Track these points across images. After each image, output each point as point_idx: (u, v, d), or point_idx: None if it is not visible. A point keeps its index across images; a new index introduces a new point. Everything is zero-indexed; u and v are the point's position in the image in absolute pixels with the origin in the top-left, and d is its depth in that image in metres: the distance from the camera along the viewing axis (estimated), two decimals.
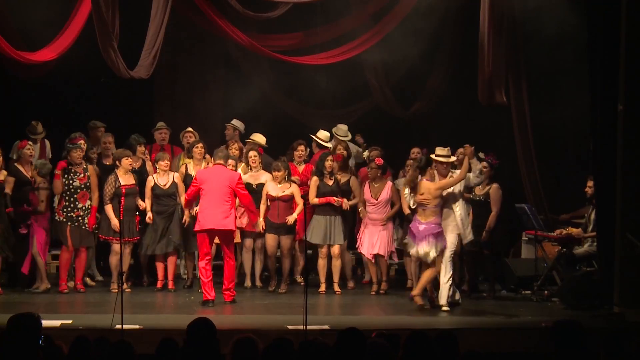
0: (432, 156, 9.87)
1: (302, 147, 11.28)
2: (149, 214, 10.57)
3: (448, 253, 9.68)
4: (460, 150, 10.80)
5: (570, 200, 11.86)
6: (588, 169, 10.75)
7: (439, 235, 9.59)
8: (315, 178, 10.79)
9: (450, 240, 9.70)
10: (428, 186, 9.65)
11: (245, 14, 11.38)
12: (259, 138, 11.41)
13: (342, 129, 11.89)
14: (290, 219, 10.67)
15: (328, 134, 11.73)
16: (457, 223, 9.74)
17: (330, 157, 10.76)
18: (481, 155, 10.71)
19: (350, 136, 11.97)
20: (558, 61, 11.73)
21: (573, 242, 10.83)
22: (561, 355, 5.14)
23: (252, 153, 10.94)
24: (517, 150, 12.17)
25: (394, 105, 12.98)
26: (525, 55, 11.97)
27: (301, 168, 11.21)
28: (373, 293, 10.70)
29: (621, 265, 9.55)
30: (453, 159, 9.90)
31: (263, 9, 11.50)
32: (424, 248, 9.54)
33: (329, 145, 11.54)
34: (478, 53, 11.36)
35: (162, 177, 10.65)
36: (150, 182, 10.64)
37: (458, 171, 9.84)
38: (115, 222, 10.37)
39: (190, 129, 11.51)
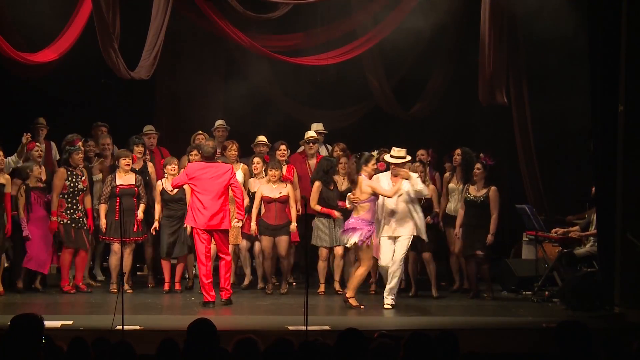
0: (386, 157, 9.94)
1: (283, 147, 11.23)
2: (156, 224, 10.54)
3: (400, 256, 9.80)
4: (458, 151, 10.85)
5: (570, 201, 11.86)
6: (588, 170, 10.75)
7: (363, 229, 9.71)
8: (317, 183, 10.76)
9: (404, 244, 9.81)
10: (360, 182, 9.78)
11: (246, 15, 11.38)
12: (264, 138, 11.45)
13: (319, 124, 11.94)
14: (293, 227, 10.68)
15: (314, 133, 11.69)
16: (416, 226, 9.85)
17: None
18: (481, 155, 10.75)
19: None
20: (558, 61, 11.74)
21: (573, 242, 10.84)
22: (565, 356, 5.14)
23: (256, 159, 10.91)
24: (517, 151, 12.18)
25: (394, 105, 12.97)
26: (526, 55, 11.97)
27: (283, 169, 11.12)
28: (372, 292, 10.75)
29: (622, 266, 9.56)
30: (408, 158, 9.97)
31: (264, 9, 11.51)
32: (351, 238, 9.73)
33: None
34: (478, 53, 11.37)
35: (169, 182, 10.63)
36: (158, 187, 10.65)
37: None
38: (102, 222, 10.44)
39: (200, 131, 11.51)
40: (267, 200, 10.65)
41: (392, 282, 9.83)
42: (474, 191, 10.55)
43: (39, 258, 10.34)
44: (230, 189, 9.90)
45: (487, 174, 10.52)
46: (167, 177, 10.65)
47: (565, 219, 11.57)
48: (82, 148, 10.75)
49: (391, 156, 9.92)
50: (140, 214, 10.59)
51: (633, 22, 9.50)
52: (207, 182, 9.76)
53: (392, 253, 9.85)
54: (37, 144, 10.82)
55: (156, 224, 10.55)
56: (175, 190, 10.58)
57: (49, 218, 10.38)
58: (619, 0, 9.56)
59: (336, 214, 10.62)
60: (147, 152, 11.27)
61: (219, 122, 11.79)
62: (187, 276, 11.17)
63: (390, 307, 9.79)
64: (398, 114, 13.01)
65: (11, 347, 4.92)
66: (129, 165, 10.62)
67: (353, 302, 9.78)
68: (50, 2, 10.58)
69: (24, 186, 10.29)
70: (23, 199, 10.28)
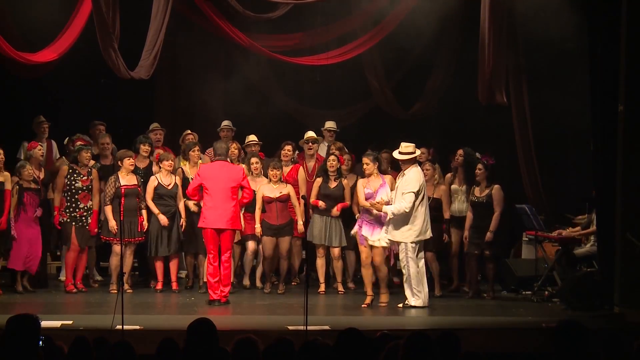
0: (394, 154, 9.93)
1: (288, 148, 11.21)
2: (162, 217, 10.50)
3: (403, 263, 9.78)
4: (460, 152, 10.85)
5: (570, 201, 11.86)
6: (588, 169, 10.75)
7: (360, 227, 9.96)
8: (318, 179, 10.79)
9: (402, 250, 9.78)
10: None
11: (246, 15, 11.38)
12: (254, 138, 11.43)
13: (329, 123, 11.93)
14: (300, 227, 10.70)
15: (313, 134, 11.68)
16: (419, 231, 9.81)
17: (332, 157, 10.77)
18: (478, 155, 10.75)
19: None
20: (558, 61, 11.73)
21: (573, 242, 10.84)
22: (563, 355, 5.14)
23: (254, 159, 10.88)
24: (517, 150, 12.18)
25: (394, 105, 12.98)
26: (526, 55, 11.96)
27: (286, 170, 11.08)
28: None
29: (622, 266, 9.56)
30: (418, 153, 9.94)
31: (263, 9, 11.51)
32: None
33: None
34: (478, 53, 11.36)
35: (165, 178, 10.64)
36: (153, 182, 10.61)
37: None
38: (112, 223, 10.39)
39: (189, 131, 11.51)
40: (267, 200, 10.65)
41: (406, 288, 9.84)
42: (478, 192, 10.56)
43: (27, 258, 10.32)
44: (241, 190, 9.94)
45: (489, 174, 10.52)
46: (162, 172, 10.64)
47: (572, 220, 11.54)
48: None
49: (399, 152, 9.89)
50: (144, 213, 10.59)
51: (633, 22, 9.50)
52: (220, 182, 9.79)
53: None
54: (40, 144, 10.82)
55: (164, 217, 10.50)
56: (171, 185, 10.59)
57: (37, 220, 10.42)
58: (619, 0, 9.56)
59: (320, 203, 10.62)
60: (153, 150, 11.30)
61: (225, 122, 11.79)
62: (186, 276, 11.17)
63: (406, 306, 9.77)
64: (398, 113, 13.01)
65: (8, 348, 4.91)
66: (133, 165, 10.62)
67: (367, 299, 9.91)
68: (50, 2, 10.58)
69: (17, 186, 10.29)
70: (15, 199, 10.27)
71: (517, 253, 11.89)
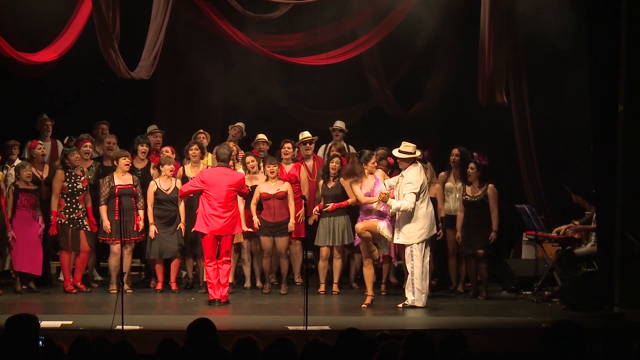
0: (394, 151, 9.95)
1: (288, 145, 11.20)
2: (152, 227, 10.49)
3: (410, 269, 9.80)
4: (455, 151, 10.84)
5: (570, 201, 11.85)
6: (588, 169, 10.75)
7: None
8: (320, 182, 10.82)
9: (408, 253, 9.81)
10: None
11: (246, 15, 11.38)
12: (263, 137, 11.44)
13: (338, 122, 11.92)
14: (291, 225, 10.69)
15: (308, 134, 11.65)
16: (426, 228, 9.84)
17: (336, 159, 10.76)
18: (475, 154, 10.76)
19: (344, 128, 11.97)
20: (558, 61, 11.73)
21: (573, 242, 10.83)
22: (558, 355, 5.14)
23: (249, 158, 10.87)
24: (517, 150, 12.18)
25: (394, 105, 12.98)
26: (526, 55, 11.97)
27: (288, 168, 11.11)
28: (383, 293, 10.70)
29: (622, 266, 9.55)
30: (418, 154, 9.94)
31: (263, 9, 11.51)
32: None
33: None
34: (478, 53, 11.37)
35: (165, 182, 10.62)
36: (152, 187, 10.60)
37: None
38: (107, 223, 10.42)
39: (201, 130, 11.50)
40: (265, 197, 10.64)
41: (407, 288, 9.88)
42: (471, 191, 10.55)
43: (31, 260, 10.32)
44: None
45: (481, 173, 10.52)
46: (162, 177, 10.62)
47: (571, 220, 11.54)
48: (89, 149, 10.88)
49: (399, 151, 9.89)
50: (142, 213, 10.58)
51: (633, 22, 9.50)
52: (222, 189, 9.78)
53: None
54: (40, 142, 10.82)
55: (154, 228, 10.50)
56: (171, 190, 10.58)
57: (36, 219, 10.41)
58: (619, 0, 9.56)
59: (315, 209, 10.66)
60: (152, 151, 11.28)
61: (239, 123, 11.78)
62: (185, 276, 11.17)
63: (406, 306, 9.77)
64: (398, 113, 13.01)
65: (7, 348, 4.91)
66: (128, 165, 10.61)
67: (367, 299, 9.91)
68: (50, 2, 10.58)
69: (13, 187, 10.28)
70: (11, 200, 10.26)
71: (517, 253, 11.89)
